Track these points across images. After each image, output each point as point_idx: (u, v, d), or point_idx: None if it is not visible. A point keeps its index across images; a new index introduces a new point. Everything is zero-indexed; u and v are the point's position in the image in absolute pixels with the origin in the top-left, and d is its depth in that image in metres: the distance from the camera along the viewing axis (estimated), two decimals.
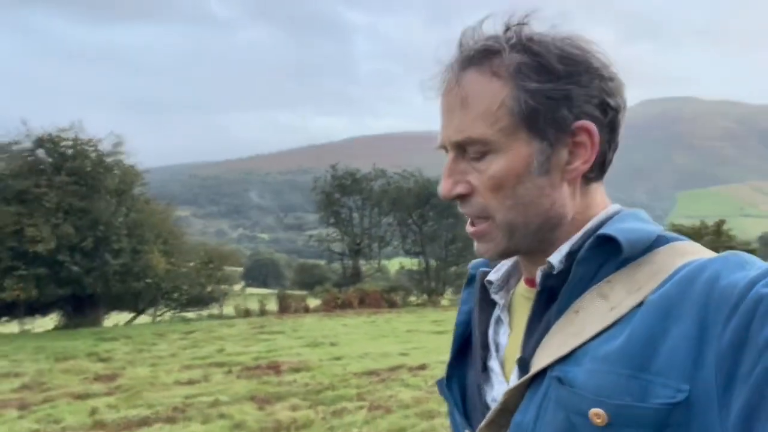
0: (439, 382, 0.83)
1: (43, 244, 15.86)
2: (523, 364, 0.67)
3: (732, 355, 0.53)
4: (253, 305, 20.40)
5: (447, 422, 0.87)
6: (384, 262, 32.12)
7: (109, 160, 18.32)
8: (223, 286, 22.76)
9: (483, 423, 0.69)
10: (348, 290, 22.80)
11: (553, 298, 0.67)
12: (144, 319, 20.43)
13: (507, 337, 0.75)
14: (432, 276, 26.64)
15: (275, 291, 28.80)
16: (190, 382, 7.91)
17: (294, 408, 6.35)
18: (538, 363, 0.65)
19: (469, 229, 0.72)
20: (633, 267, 0.65)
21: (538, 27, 0.68)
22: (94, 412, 6.29)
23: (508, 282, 0.79)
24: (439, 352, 9.77)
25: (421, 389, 7.09)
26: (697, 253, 0.64)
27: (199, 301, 21.64)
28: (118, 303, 19.59)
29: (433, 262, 26.94)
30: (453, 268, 26.93)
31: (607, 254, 0.65)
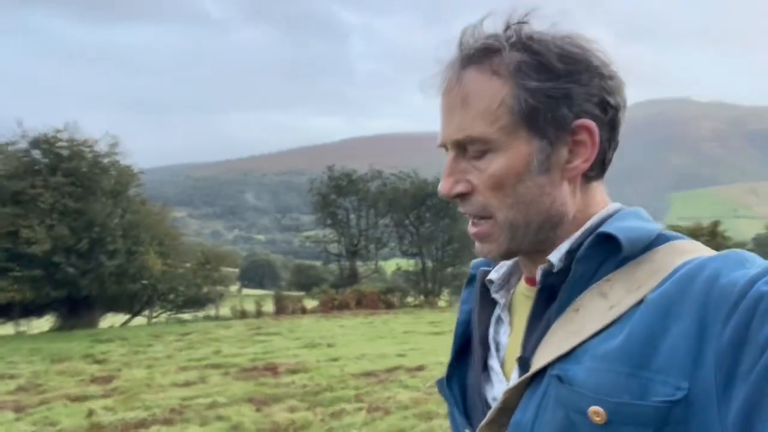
0: (439, 382, 0.83)
1: (38, 245, 15.82)
2: (524, 363, 0.67)
3: (732, 353, 0.53)
4: (250, 306, 20.33)
5: (446, 423, 0.86)
6: (381, 263, 32.17)
7: (105, 161, 18.29)
8: (219, 288, 22.66)
9: (483, 422, 0.69)
10: (345, 291, 22.81)
11: (553, 297, 0.67)
12: (140, 320, 20.32)
13: (507, 337, 0.76)
14: (429, 277, 26.66)
15: (272, 292, 28.80)
16: (187, 384, 7.88)
17: (292, 409, 6.33)
18: (538, 362, 0.65)
19: (471, 230, 0.71)
20: (633, 265, 0.65)
21: (538, 26, 0.68)
22: (90, 414, 6.25)
23: (508, 281, 0.79)
24: (436, 353, 9.76)
25: (419, 390, 7.08)
26: (696, 251, 0.64)
27: (195, 302, 21.57)
28: (113, 304, 19.51)
29: (429, 263, 26.96)
30: (450, 269, 26.98)
31: (606, 252, 0.65)
